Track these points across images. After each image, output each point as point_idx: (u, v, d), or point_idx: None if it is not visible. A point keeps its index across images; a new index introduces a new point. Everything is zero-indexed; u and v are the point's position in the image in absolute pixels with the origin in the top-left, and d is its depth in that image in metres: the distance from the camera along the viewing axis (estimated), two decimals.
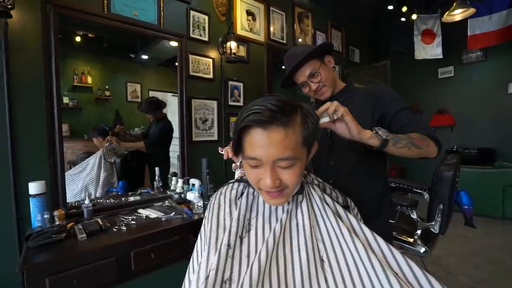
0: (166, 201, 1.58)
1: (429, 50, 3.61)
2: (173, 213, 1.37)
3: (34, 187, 1.18)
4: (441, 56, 3.58)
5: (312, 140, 0.62)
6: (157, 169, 1.80)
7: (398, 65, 4.49)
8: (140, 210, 1.46)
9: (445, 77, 4.29)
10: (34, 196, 1.18)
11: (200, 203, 1.46)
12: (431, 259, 2.24)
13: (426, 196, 1.63)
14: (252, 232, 0.62)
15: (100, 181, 1.65)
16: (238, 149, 0.61)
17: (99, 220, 1.24)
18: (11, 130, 1.26)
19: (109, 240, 1.13)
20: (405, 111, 0.90)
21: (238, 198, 0.71)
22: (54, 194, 1.35)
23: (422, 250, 1.45)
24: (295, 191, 0.67)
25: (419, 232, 1.51)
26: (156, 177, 1.78)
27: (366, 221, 0.73)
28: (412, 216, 1.52)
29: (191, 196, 1.56)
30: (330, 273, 0.56)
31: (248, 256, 0.58)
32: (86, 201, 1.35)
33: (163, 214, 1.37)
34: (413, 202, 1.52)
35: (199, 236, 0.71)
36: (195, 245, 0.69)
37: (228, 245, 0.58)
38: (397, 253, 0.55)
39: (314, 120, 0.61)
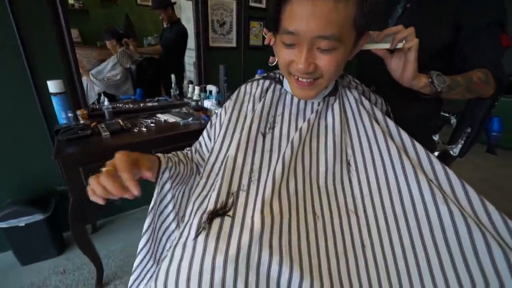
0: (183, 108, 1.58)
1: None
2: (191, 118, 1.37)
3: (53, 86, 1.17)
4: None
5: (365, 23, 0.49)
6: (173, 76, 1.73)
7: None
8: (158, 115, 1.48)
9: None
10: (55, 94, 1.19)
11: (218, 110, 1.44)
12: None
13: (453, 120, 1.53)
14: (277, 129, 0.58)
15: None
16: (275, 24, 0.50)
17: (120, 121, 1.28)
18: (17, 26, 1.18)
19: (131, 138, 1.18)
20: (488, 31, 0.70)
21: (263, 96, 0.64)
22: (74, 95, 1.36)
23: None
24: (328, 89, 0.60)
25: (436, 153, 1.48)
26: (173, 85, 1.74)
27: None
28: (434, 138, 1.46)
29: (208, 104, 1.54)
30: (355, 176, 0.54)
31: (271, 151, 0.56)
32: (106, 103, 1.36)
33: (181, 119, 1.39)
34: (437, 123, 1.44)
35: (208, 125, 0.70)
36: (201, 134, 0.70)
37: (248, 140, 0.56)
38: (435, 160, 0.50)
39: None
